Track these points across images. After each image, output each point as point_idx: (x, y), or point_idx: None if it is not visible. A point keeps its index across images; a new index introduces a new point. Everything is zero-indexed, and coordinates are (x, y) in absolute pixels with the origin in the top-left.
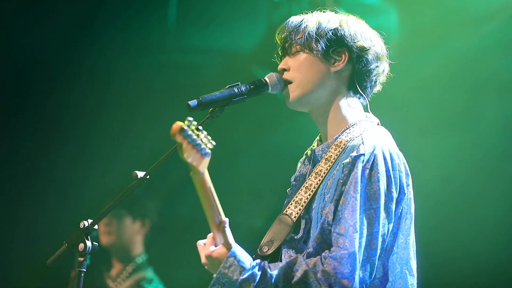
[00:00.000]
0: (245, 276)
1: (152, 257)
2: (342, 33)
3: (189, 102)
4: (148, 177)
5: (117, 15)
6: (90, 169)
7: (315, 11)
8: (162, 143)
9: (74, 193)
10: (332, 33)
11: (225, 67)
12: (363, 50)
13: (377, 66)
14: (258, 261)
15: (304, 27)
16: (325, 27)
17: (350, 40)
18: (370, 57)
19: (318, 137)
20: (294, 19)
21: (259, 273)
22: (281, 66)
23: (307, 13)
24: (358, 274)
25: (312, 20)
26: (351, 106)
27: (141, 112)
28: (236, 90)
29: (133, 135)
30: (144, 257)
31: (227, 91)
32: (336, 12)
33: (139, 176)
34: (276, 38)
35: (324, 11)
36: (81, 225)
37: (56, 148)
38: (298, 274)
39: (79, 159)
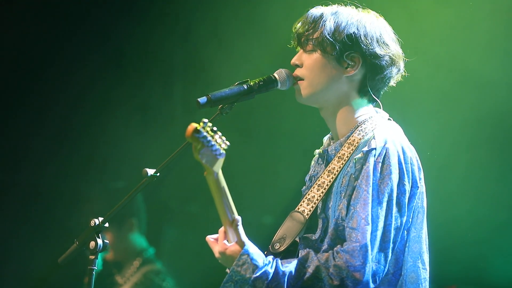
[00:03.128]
0: (258, 274)
1: (162, 253)
2: (358, 38)
3: (199, 99)
4: (158, 174)
5: (117, 13)
6: (99, 167)
7: (336, 5)
8: (172, 140)
9: (85, 190)
10: (348, 38)
11: (234, 63)
12: (377, 57)
13: (391, 71)
14: (270, 258)
15: (322, 26)
16: (341, 31)
17: (365, 47)
18: (384, 63)
19: (329, 135)
20: (313, 14)
21: (271, 271)
22: (294, 60)
23: (328, 4)
24: (370, 266)
25: (330, 19)
26: (361, 105)
27: (151, 110)
28: (245, 87)
29: (143, 133)
30: (151, 251)
31: (236, 88)
32: (356, 8)
33: (149, 174)
34: (293, 30)
35: (344, 6)
36: (92, 223)
37: (67, 147)
38: (310, 270)
39: (89, 158)
